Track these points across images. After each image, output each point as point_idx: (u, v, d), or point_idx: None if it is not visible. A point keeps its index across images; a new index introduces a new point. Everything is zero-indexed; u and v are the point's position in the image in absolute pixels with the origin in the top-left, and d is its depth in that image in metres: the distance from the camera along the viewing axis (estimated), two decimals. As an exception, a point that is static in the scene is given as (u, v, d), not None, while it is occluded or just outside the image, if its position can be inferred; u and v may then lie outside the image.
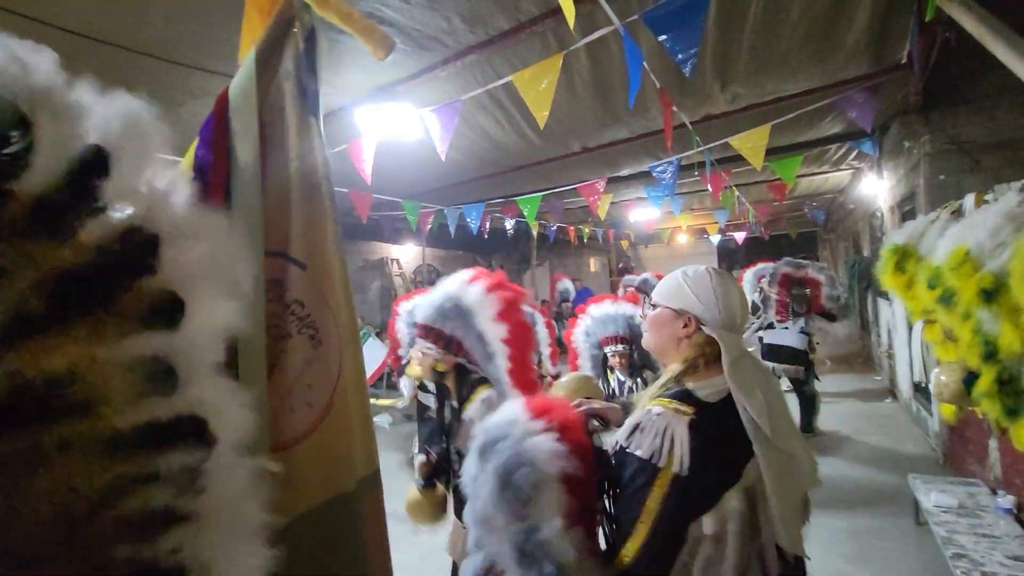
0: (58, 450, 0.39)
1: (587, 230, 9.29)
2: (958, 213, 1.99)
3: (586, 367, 3.16)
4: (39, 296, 0.39)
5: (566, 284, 9.64)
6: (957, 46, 2.99)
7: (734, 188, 6.31)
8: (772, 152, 4.65)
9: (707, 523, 0.96)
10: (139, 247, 0.44)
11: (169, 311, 0.45)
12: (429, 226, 6.84)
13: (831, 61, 3.11)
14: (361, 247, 9.53)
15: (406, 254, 10.29)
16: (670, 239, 12.10)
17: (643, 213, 8.41)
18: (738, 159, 4.45)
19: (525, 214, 5.73)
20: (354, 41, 2.61)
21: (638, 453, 1.02)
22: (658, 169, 4.53)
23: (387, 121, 3.57)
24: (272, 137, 0.87)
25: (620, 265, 13.35)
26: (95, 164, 0.44)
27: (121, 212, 0.45)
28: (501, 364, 1.97)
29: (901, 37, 2.95)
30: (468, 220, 6.37)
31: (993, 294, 1.47)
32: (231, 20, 2.37)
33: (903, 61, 3.20)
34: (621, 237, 11.23)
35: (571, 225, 8.80)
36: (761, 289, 5.75)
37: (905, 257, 1.98)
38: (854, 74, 3.33)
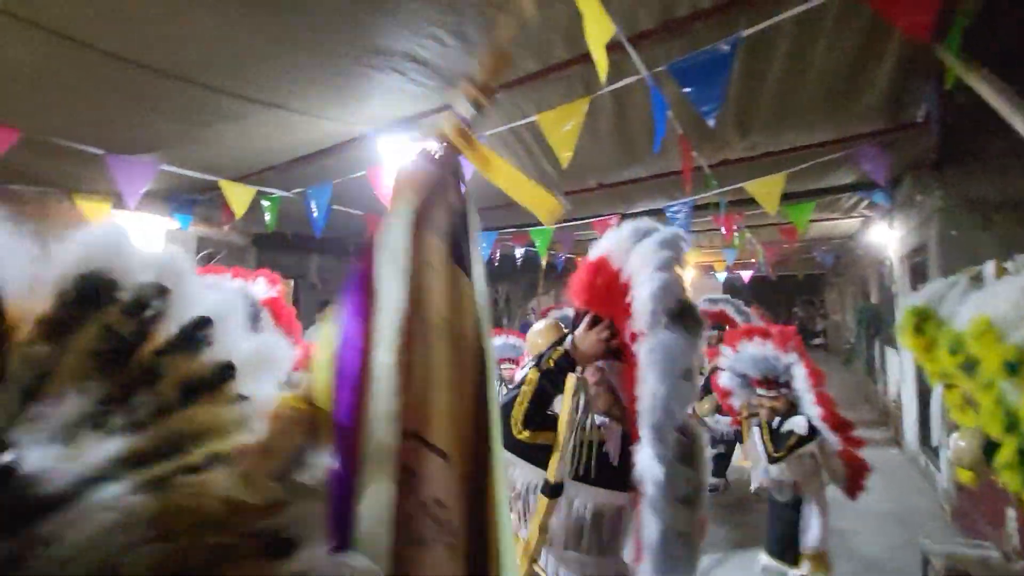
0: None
1: (595, 261, 9.32)
2: (978, 279, 2.00)
3: None
4: (174, 391, 0.59)
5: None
6: (968, 102, 3.06)
7: (746, 230, 6.36)
8: (785, 197, 4.69)
9: None
10: (227, 368, 0.65)
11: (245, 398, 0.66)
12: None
13: (846, 117, 3.18)
14: (369, 266, 9.58)
15: (412, 275, 10.33)
16: (677, 274, 12.10)
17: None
18: (752, 202, 4.50)
19: (537, 245, 5.78)
20: (384, 75, 2.70)
21: None
22: (672, 210, 4.58)
23: (408, 150, 3.65)
24: (420, 297, 0.74)
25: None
26: (204, 324, 0.65)
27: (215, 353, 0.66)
28: None
29: (917, 98, 3.01)
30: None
31: (1017, 367, 1.47)
32: (259, 47, 2.45)
33: (919, 120, 3.27)
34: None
35: (580, 256, 8.86)
36: None
37: (924, 319, 1.99)
38: (868, 130, 3.40)
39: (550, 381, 1.36)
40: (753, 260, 9.66)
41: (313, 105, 2.93)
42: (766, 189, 4.03)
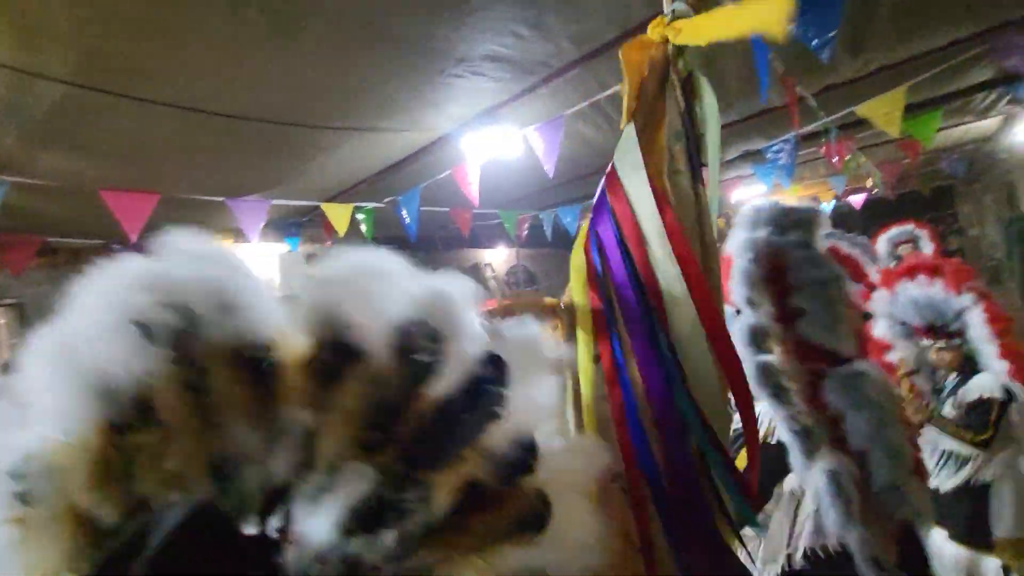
0: None
1: (684, 214, 8.86)
2: None
3: None
4: (449, 499, 0.44)
5: None
6: None
7: (858, 153, 5.71)
8: (906, 110, 4.15)
9: None
10: (528, 452, 0.47)
11: (542, 513, 0.47)
12: (525, 231, 6.92)
13: (993, 4, 2.71)
14: (457, 255, 9.85)
15: (498, 257, 10.48)
16: (774, 211, 11.19)
17: (746, 191, 7.89)
18: (862, 123, 4.03)
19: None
20: (465, 80, 2.70)
21: None
22: (773, 149, 4.22)
23: (490, 143, 3.64)
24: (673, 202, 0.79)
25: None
26: (493, 377, 0.48)
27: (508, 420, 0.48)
28: None
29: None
30: (564, 222, 6.36)
31: None
32: (354, 84, 2.54)
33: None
34: (718, 217, 10.62)
35: (667, 211, 8.46)
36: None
37: None
38: (1021, 14, 2.88)
39: None
40: (869, 184, 8.65)
41: (401, 122, 3.03)
42: (885, 108, 3.58)
